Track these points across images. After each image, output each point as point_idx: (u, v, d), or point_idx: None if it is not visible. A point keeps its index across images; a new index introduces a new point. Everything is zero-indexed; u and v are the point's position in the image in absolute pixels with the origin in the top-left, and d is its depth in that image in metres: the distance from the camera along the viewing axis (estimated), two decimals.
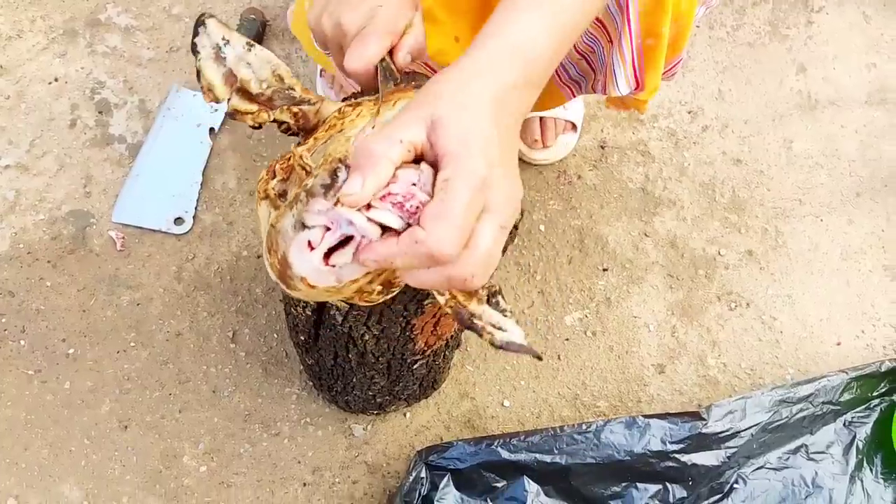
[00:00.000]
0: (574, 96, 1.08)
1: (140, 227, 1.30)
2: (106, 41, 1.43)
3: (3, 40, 1.41)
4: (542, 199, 1.41)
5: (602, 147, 1.46)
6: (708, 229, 1.42)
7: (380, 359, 0.99)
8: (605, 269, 1.36)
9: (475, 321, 0.75)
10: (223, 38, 0.73)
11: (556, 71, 1.05)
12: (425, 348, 1.01)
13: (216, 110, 1.39)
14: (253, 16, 1.44)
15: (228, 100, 0.74)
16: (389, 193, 0.56)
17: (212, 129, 1.38)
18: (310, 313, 0.94)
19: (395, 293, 0.72)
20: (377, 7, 0.71)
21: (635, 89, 0.94)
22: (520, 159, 1.42)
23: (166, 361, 1.22)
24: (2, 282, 1.24)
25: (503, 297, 0.79)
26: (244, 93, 0.75)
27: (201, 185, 1.34)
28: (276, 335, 1.26)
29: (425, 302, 0.87)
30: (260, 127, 0.75)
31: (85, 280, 1.26)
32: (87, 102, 1.38)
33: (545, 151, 1.40)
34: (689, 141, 1.49)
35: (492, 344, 0.76)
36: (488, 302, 0.78)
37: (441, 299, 0.75)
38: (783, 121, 1.52)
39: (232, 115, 0.74)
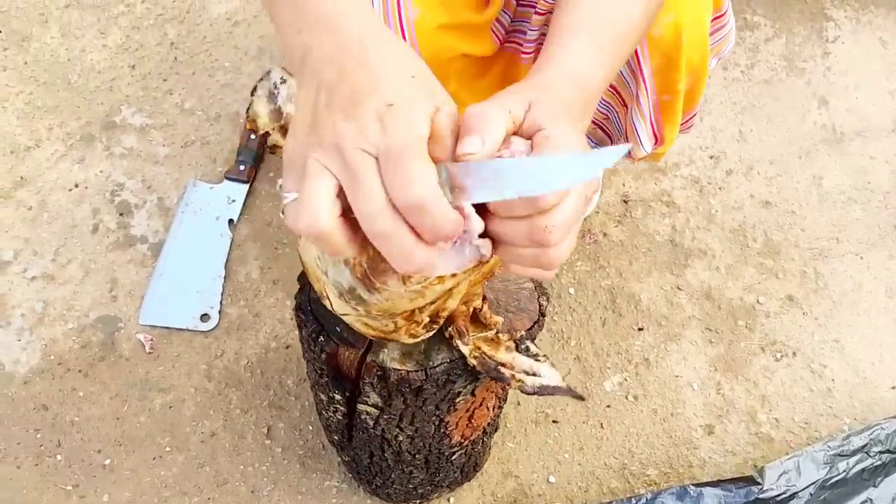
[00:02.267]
0: None
1: (167, 328, 1.29)
2: (122, 142, 1.44)
3: (23, 151, 1.43)
4: (568, 261, 1.38)
5: (625, 201, 1.43)
6: (743, 277, 1.37)
7: (416, 456, 0.97)
8: (640, 329, 1.32)
9: (502, 370, 0.73)
10: (281, 79, 0.73)
11: None
12: (462, 440, 0.98)
13: (234, 201, 1.39)
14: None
15: (269, 133, 0.74)
16: (500, 157, 0.53)
17: (231, 221, 1.37)
18: (340, 417, 0.92)
19: (435, 329, 0.70)
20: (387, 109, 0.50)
21: (655, 144, 0.93)
22: None
23: (203, 464, 1.20)
24: (35, 396, 1.24)
25: (533, 343, 0.76)
26: (286, 131, 0.75)
27: (224, 278, 1.33)
28: (311, 427, 1.23)
29: (457, 400, 0.85)
30: None
31: (117, 387, 1.25)
32: (108, 206, 1.39)
33: None
34: (714, 187, 1.45)
35: (522, 391, 0.74)
36: (517, 349, 0.75)
37: (465, 350, 0.73)
38: (810, 157, 1.49)
39: (272, 150, 0.75)
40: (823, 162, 1.48)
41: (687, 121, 1.00)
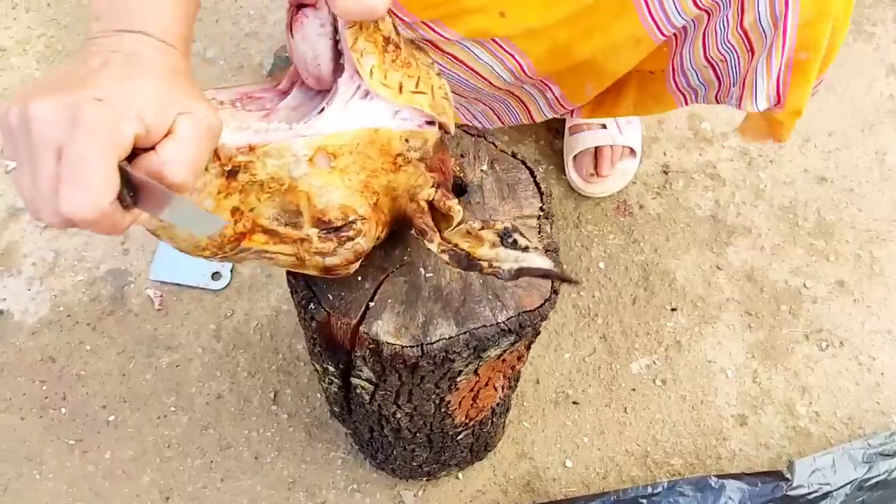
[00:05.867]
0: (686, 104, 0.96)
1: (178, 284, 1.25)
2: None
3: None
4: (600, 233, 1.29)
5: (665, 172, 1.34)
6: (790, 258, 1.27)
7: (417, 434, 0.91)
8: (673, 309, 1.24)
9: (479, 261, 0.64)
10: None
11: (674, 77, 0.92)
12: (467, 421, 0.91)
13: None
14: (287, 54, 1.38)
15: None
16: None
17: None
18: (336, 390, 0.87)
19: (347, 237, 0.63)
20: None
21: (775, 105, 0.83)
22: (577, 194, 1.31)
23: (207, 426, 1.17)
24: (42, 347, 1.21)
25: (522, 234, 0.66)
26: None
27: None
28: (318, 395, 1.19)
29: (458, 379, 0.78)
30: None
31: (124, 342, 1.22)
32: None
33: (602, 183, 1.28)
34: (765, 159, 1.34)
35: (498, 277, 0.64)
36: (503, 243, 0.66)
37: (433, 247, 0.65)
38: (874, 130, 1.36)
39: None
40: (889, 136, 1.35)
41: (815, 86, 0.90)
